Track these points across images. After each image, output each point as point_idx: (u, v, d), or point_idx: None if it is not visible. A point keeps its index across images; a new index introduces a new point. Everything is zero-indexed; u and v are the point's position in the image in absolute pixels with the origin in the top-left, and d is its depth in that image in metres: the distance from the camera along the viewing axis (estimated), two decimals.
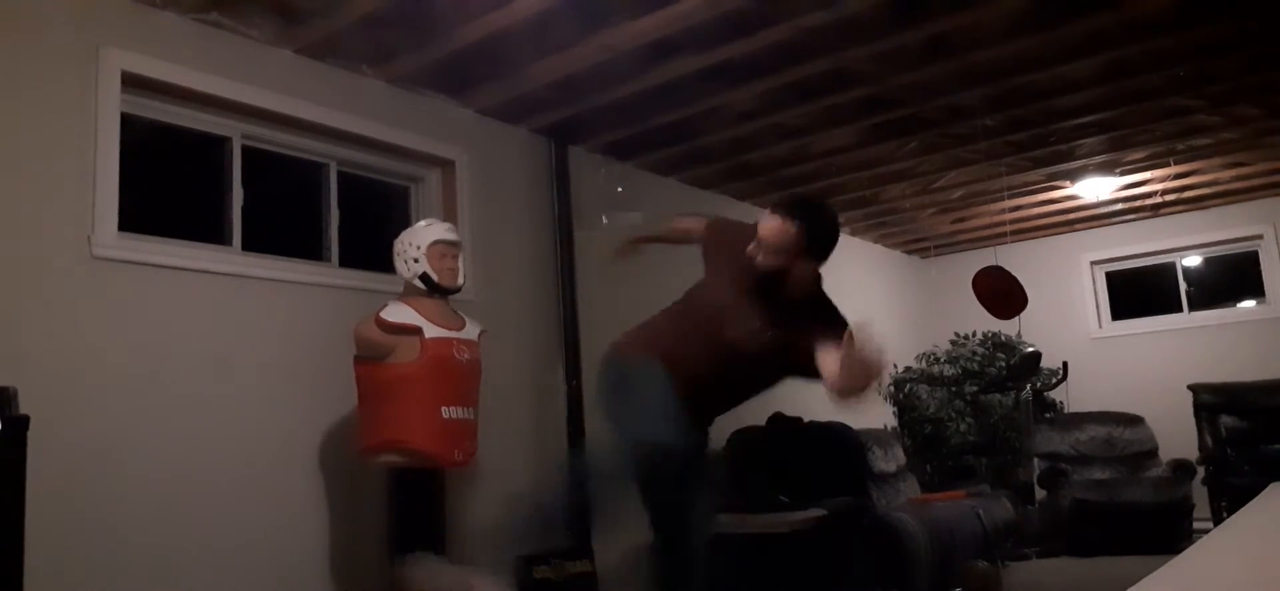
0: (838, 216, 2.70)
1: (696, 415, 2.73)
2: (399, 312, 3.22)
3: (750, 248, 2.57)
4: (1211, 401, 6.05)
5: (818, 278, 2.70)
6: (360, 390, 3.26)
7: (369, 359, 3.23)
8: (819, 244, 2.62)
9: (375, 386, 3.21)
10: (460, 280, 3.37)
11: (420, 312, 3.23)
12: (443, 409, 3.19)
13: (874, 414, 6.67)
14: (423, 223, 3.42)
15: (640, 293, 5.04)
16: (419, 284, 3.28)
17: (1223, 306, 7.12)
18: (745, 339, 2.63)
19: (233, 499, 3.18)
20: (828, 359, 2.50)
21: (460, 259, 3.38)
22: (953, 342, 7.28)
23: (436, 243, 3.30)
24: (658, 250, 5.01)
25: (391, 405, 3.16)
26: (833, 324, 2.59)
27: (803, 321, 2.61)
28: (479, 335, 3.42)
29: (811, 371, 2.60)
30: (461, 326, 3.34)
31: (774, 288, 2.62)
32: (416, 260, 3.28)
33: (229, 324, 3.28)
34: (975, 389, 6.74)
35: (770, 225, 2.55)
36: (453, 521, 3.49)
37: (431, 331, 3.21)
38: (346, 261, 3.83)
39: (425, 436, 3.17)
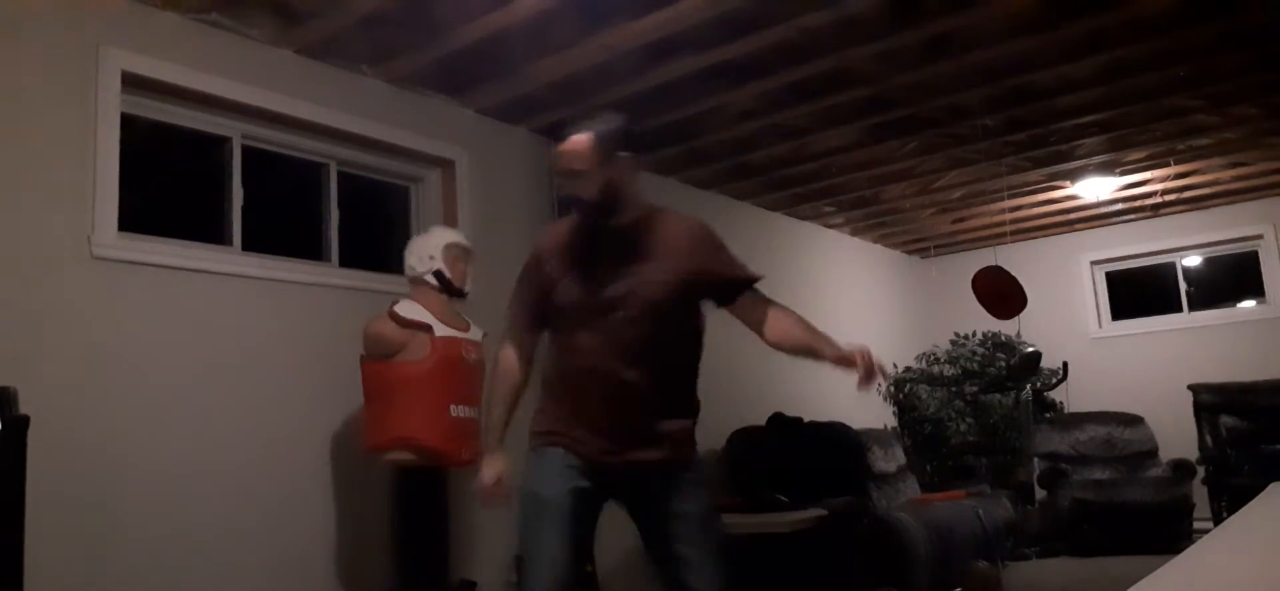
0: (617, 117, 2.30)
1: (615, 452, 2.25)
2: (412, 309, 3.25)
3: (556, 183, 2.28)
4: (1211, 401, 6.05)
5: (643, 202, 2.30)
6: (368, 388, 3.27)
7: (378, 357, 3.24)
8: (612, 138, 2.22)
9: (385, 384, 3.22)
10: (468, 287, 3.42)
11: (430, 311, 3.26)
12: (451, 407, 3.21)
13: (874, 414, 6.67)
14: (438, 228, 3.53)
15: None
16: (431, 279, 3.31)
17: (1223, 306, 7.12)
18: (601, 306, 2.20)
19: (233, 499, 3.18)
20: (768, 313, 2.27)
21: (470, 267, 3.43)
22: (953, 342, 7.28)
23: (452, 244, 3.37)
24: None
25: (401, 403, 3.17)
26: (694, 236, 2.28)
27: (662, 249, 2.24)
28: (482, 337, 3.44)
29: (712, 293, 2.30)
30: (467, 328, 3.37)
31: (602, 235, 2.24)
32: (432, 256, 3.33)
33: (229, 324, 3.28)
34: (975, 389, 6.74)
35: (556, 151, 2.24)
36: (455, 521, 3.49)
37: (441, 330, 3.24)
38: (346, 261, 3.84)
39: (434, 434, 3.18)
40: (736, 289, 2.30)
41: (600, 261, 2.25)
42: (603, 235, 2.27)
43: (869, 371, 2.11)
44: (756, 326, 2.30)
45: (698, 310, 2.33)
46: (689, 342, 2.34)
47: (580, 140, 2.23)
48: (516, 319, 2.41)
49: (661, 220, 2.32)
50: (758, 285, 2.33)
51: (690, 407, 2.34)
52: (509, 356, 2.38)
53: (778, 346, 2.29)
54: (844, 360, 2.14)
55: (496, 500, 2.40)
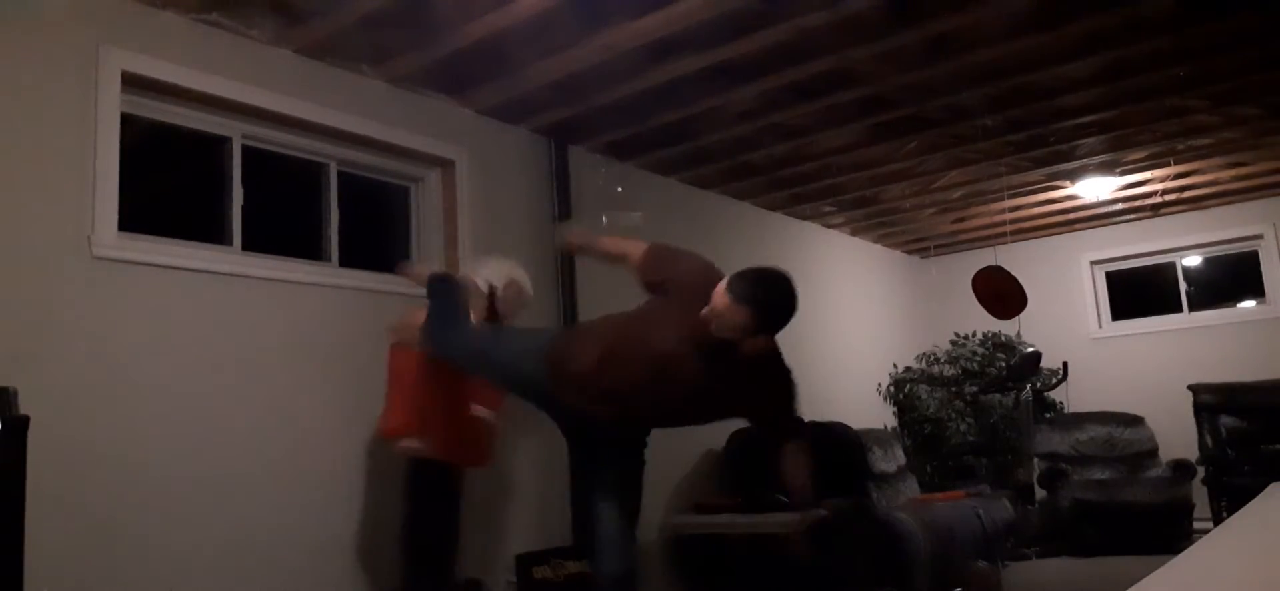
0: (793, 290, 2.58)
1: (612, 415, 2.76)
2: None
3: (703, 312, 2.53)
4: (1211, 401, 6.05)
5: (772, 344, 2.65)
6: (393, 375, 3.28)
7: (413, 345, 3.24)
8: (772, 322, 2.55)
9: (414, 374, 3.21)
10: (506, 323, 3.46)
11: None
12: (474, 405, 3.25)
13: (874, 414, 6.67)
14: (518, 265, 3.57)
15: (641, 293, 5.05)
16: (485, 288, 3.34)
17: (1223, 306, 7.12)
18: (684, 384, 2.63)
19: (233, 499, 3.18)
20: (791, 464, 2.77)
21: (517, 312, 3.48)
22: (953, 343, 7.28)
23: (520, 284, 3.45)
24: None
25: (425, 391, 3.18)
26: (778, 385, 2.71)
27: (749, 380, 2.64)
28: None
29: (754, 420, 2.84)
30: None
31: (723, 347, 2.57)
32: (501, 279, 3.38)
33: (229, 324, 3.28)
34: (975, 389, 6.75)
35: (722, 304, 2.50)
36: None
37: None
38: (346, 261, 3.83)
39: (453, 427, 3.21)
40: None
41: (700, 356, 2.67)
42: (714, 348, 2.62)
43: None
44: None
45: None
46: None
47: (740, 313, 2.51)
48: (649, 262, 2.94)
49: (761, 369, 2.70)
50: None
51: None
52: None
53: None
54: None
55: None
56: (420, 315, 3.22)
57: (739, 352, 2.54)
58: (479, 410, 3.25)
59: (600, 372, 2.67)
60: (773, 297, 2.54)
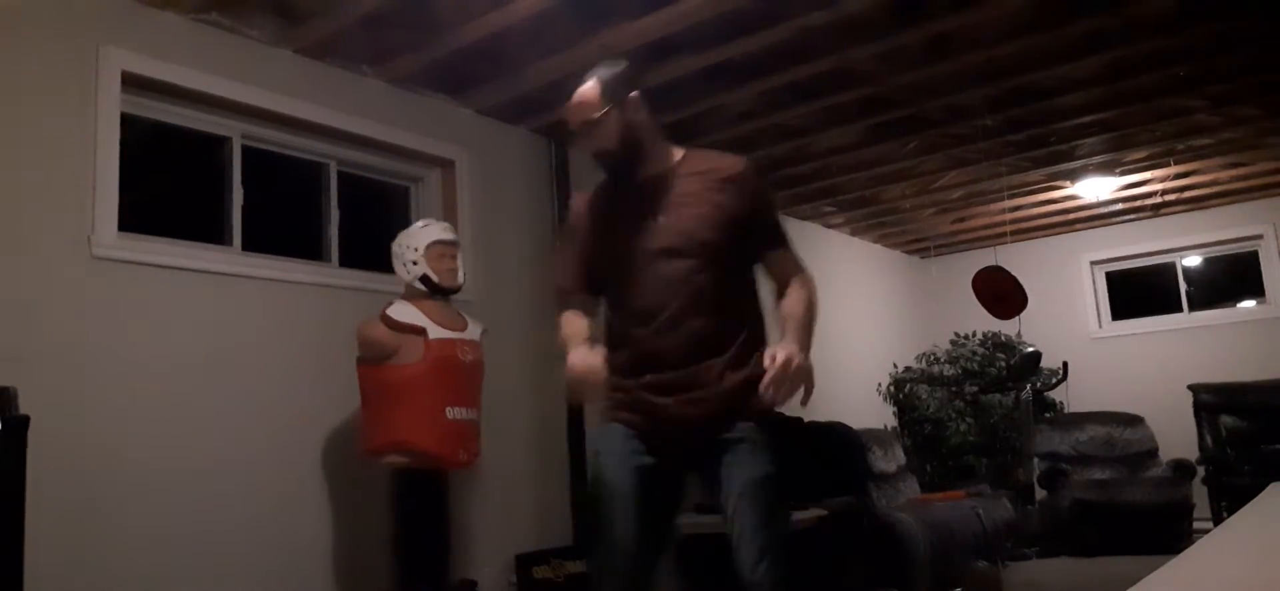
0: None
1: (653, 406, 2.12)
2: (405, 312, 3.22)
3: (574, 136, 2.21)
4: (1211, 401, 6.05)
5: (669, 142, 2.22)
6: (364, 392, 3.26)
7: (372, 360, 3.23)
8: (620, 80, 2.16)
9: (379, 388, 3.20)
10: (460, 279, 3.37)
11: (424, 313, 3.23)
12: (447, 409, 3.18)
13: (874, 414, 6.67)
14: (419, 224, 3.40)
15: None
16: (419, 285, 3.28)
17: (1223, 306, 7.12)
18: (650, 255, 2.12)
19: (233, 499, 3.18)
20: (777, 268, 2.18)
21: (459, 258, 3.38)
22: (953, 343, 7.28)
23: (434, 243, 3.29)
24: None
25: (396, 406, 3.16)
26: (717, 179, 2.15)
27: (707, 189, 2.14)
28: (481, 335, 3.42)
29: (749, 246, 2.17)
30: (464, 327, 3.34)
31: (639, 183, 2.17)
32: (415, 262, 3.27)
33: (229, 324, 3.28)
34: (975, 389, 6.74)
35: (566, 108, 2.19)
36: (455, 521, 3.49)
37: (435, 332, 3.20)
38: (346, 261, 3.84)
39: (430, 437, 3.16)
40: (777, 239, 2.20)
41: (643, 210, 2.15)
42: (640, 183, 2.18)
43: (776, 380, 1.94)
44: (778, 289, 2.18)
45: (746, 254, 2.17)
46: (744, 288, 2.18)
47: (586, 89, 2.16)
48: (565, 284, 2.26)
49: (704, 158, 2.24)
50: (793, 249, 2.23)
51: (747, 357, 2.10)
52: (570, 317, 2.21)
53: (778, 316, 2.17)
54: (769, 357, 1.98)
55: (589, 387, 2.07)
56: (376, 329, 3.20)
57: (652, 164, 2.18)
58: (456, 412, 3.22)
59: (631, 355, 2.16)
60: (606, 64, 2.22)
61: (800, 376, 1.99)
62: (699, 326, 2.07)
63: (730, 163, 2.22)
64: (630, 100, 2.17)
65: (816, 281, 2.22)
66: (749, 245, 2.17)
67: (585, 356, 2.07)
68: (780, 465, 2.09)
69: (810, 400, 2.03)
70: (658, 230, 2.12)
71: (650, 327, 2.10)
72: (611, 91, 2.15)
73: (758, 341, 2.16)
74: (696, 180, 2.17)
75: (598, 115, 2.14)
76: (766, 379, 1.94)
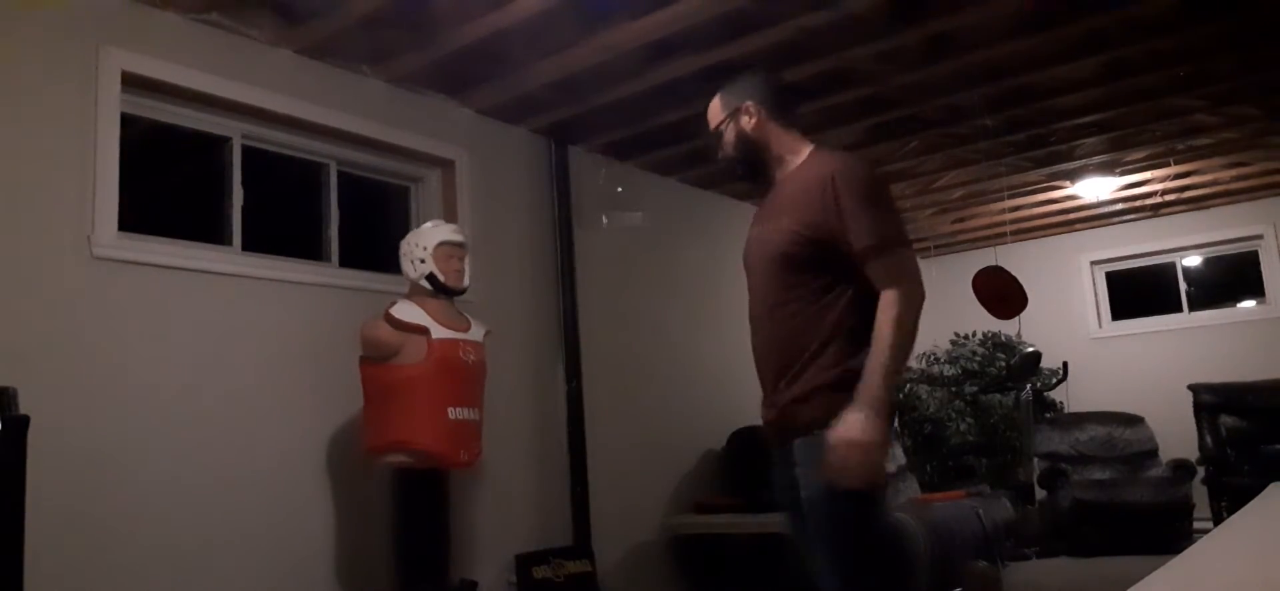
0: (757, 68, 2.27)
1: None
2: (408, 311, 3.23)
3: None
4: (1211, 401, 6.05)
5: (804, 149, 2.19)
6: (366, 391, 3.26)
7: (376, 359, 3.23)
8: (739, 90, 2.23)
9: (382, 387, 3.21)
10: (466, 281, 3.38)
11: (428, 313, 3.24)
12: (449, 409, 3.19)
13: None
14: (429, 224, 3.43)
15: (641, 292, 5.07)
16: (425, 284, 3.29)
17: (1223, 306, 7.12)
18: (748, 264, 2.22)
19: (233, 499, 3.18)
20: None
21: (466, 260, 3.39)
22: (953, 342, 7.28)
23: (443, 243, 3.31)
24: (659, 249, 5.05)
25: (398, 406, 3.16)
26: (821, 185, 2.05)
27: (791, 200, 2.12)
28: (484, 336, 3.43)
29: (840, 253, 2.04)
30: (467, 327, 3.35)
31: (774, 193, 2.20)
32: (422, 261, 3.28)
33: (229, 324, 3.28)
34: (975, 389, 6.74)
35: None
36: (455, 521, 3.49)
37: (438, 332, 3.21)
38: (346, 261, 3.84)
39: (432, 437, 3.17)
40: (860, 247, 1.99)
41: (759, 215, 2.24)
42: (770, 188, 2.24)
43: (835, 467, 1.89)
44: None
45: (830, 264, 2.04)
46: (821, 299, 2.05)
47: (713, 102, 2.27)
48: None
49: (815, 162, 2.15)
50: (886, 260, 1.99)
51: (805, 372, 2.04)
52: None
53: None
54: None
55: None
56: (379, 328, 3.21)
57: (779, 170, 2.21)
58: (458, 412, 3.22)
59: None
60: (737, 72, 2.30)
61: (853, 457, 1.86)
62: (770, 338, 2.12)
63: (827, 166, 2.09)
64: (743, 108, 2.22)
65: (918, 293, 1.99)
66: (832, 255, 2.02)
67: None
68: (830, 483, 1.94)
69: (873, 480, 1.88)
70: (756, 239, 2.20)
71: (753, 335, 2.19)
72: (728, 100, 2.26)
73: (839, 356, 2.02)
74: (797, 188, 2.13)
75: (717, 124, 2.27)
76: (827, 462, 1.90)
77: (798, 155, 2.20)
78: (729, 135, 2.25)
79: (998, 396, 6.63)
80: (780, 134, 2.22)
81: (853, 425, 1.88)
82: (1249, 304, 7.02)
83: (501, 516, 4.04)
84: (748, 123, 2.22)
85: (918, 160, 5.37)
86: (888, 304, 1.96)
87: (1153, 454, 6.30)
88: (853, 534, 1.99)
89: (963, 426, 6.70)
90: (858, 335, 2.00)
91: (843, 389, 1.96)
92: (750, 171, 2.26)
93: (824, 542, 2.01)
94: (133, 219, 3.10)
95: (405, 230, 3.49)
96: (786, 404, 2.06)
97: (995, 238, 7.08)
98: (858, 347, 2.00)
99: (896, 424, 6.78)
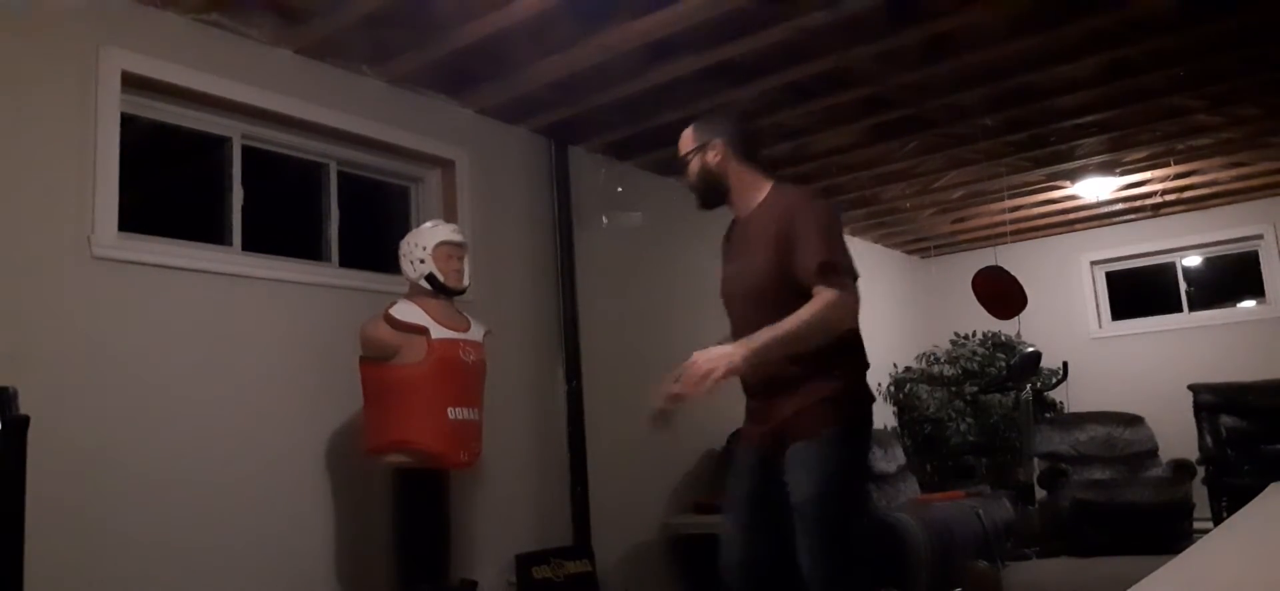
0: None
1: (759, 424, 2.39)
2: (408, 311, 3.22)
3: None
4: (1211, 401, 6.05)
5: (766, 186, 2.39)
6: (366, 391, 3.26)
7: (375, 359, 3.23)
8: (709, 126, 2.42)
9: (382, 387, 3.21)
10: (466, 282, 3.37)
11: (427, 313, 3.24)
12: (449, 410, 3.19)
13: (875, 414, 6.67)
14: (429, 223, 3.42)
15: (641, 292, 5.07)
16: (425, 285, 3.29)
17: (1223, 306, 7.12)
18: (725, 295, 2.46)
19: (233, 499, 3.18)
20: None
21: (466, 260, 3.38)
22: (953, 342, 7.29)
23: (442, 243, 3.31)
24: (659, 249, 5.04)
25: (398, 406, 3.16)
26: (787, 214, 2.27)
27: (762, 236, 2.31)
28: (484, 336, 3.43)
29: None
30: (467, 327, 3.34)
31: (735, 224, 2.44)
32: (422, 261, 3.28)
33: (229, 324, 3.28)
34: (975, 389, 6.74)
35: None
36: (455, 521, 3.49)
37: (438, 332, 3.21)
38: (346, 261, 3.83)
39: (432, 437, 3.17)
40: (811, 265, 2.19)
41: (731, 251, 2.46)
42: (735, 224, 2.46)
43: (690, 367, 2.12)
44: None
45: (809, 290, 2.21)
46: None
47: (686, 131, 2.46)
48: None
49: (778, 198, 2.37)
50: (829, 280, 2.18)
51: (802, 387, 2.24)
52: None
53: None
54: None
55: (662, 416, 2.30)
56: (379, 328, 3.21)
57: (742, 207, 2.41)
58: (458, 412, 3.22)
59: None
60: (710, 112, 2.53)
61: (705, 367, 2.11)
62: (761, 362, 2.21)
63: (788, 200, 2.34)
64: (711, 145, 2.41)
65: (845, 312, 2.18)
66: (801, 279, 2.21)
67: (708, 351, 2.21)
68: (813, 488, 2.20)
69: (694, 391, 2.12)
70: (735, 277, 2.41)
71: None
72: (699, 135, 2.44)
73: (833, 368, 2.25)
74: (766, 223, 2.32)
75: (685, 153, 2.46)
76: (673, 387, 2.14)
77: (758, 192, 2.40)
78: (694, 166, 2.44)
79: (998, 396, 6.64)
80: (742, 172, 2.42)
81: (730, 350, 2.13)
82: (1249, 304, 7.02)
83: (501, 516, 4.04)
84: (712, 158, 2.41)
85: (918, 160, 5.37)
86: (817, 300, 2.15)
87: (1153, 454, 6.30)
88: (840, 536, 2.20)
89: (963, 426, 6.70)
90: (847, 344, 2.27)
91: (840, 399, 2.24)
92: (707, 202, 2.47)
93: (812, 542, 2.19)
94: (133, 219, 3.10)
95: (405, 230, 3.48)
96: (789, 416, 2.26)
97: (995, 238, 7.08)
98: (849, 357, 2.28)
99: (897, 424, 6.79)
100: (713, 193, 2.45)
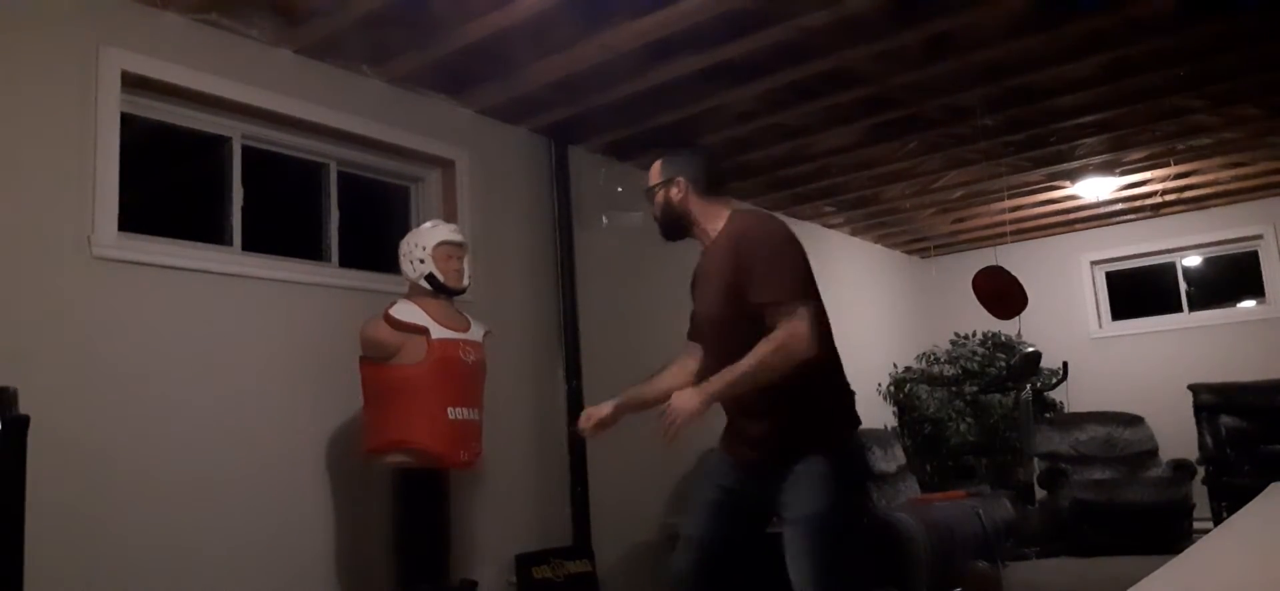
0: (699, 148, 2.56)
1: (744, 452, 2.43)
2: (408, 311, 3.22)
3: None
4: (1211, 401, 6.05)
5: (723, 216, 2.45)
6: (366, 391, 3.26)
7: (375, 359, 3.23)
8: (674, 162, 2.50)
9: (382, 387, 3.21)
10: (466, 281, 3.37)
11: (427, 313, 3.23)
12: (449, 409, 3.19)
13: (875, 414, 6.67)
14: (428, 223, 3.42)
15: (641, 293, 5.06)
16: (425, 285, 3.29)
17: (1223, 306, 7.12)
18: (695, 323, 2.54)
19: (233, 499, 3.18)
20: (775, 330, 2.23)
21: (466, 260, 3.38)
22: (953, 343, 7.28)
23: (442, 243, 3.31)
24: (659, 249, 5.00)
25: (398, 406, 3.16)
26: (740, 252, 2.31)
27: (718, 266, 2.38)
28: (484, 336, 3.43)
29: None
30: (467, 327, 3.34)
31: (704, 260, 2.48)
32: (422, 261, 3.28)
33: (229, 324, 3.28)
34: (975, 389, 6.74)
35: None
36: (455, 521, 3.49)
37: (438, 332, 3.21)
38: (346, 261, 3.83)
39: (432, 437, 3.17)
40: (763, 298, 2.23)
41: (696, 284, 2.53)
42: (702, 255, 2.52)
43: (669, 414, 2.20)
44: None
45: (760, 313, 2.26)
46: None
47: (653, 165, 2.55)
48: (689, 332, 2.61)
49: (730, 226, 2.43)
50: (779, 313, 2.21)
51: (792, 408, 2.28)
52: (681, 360, 2.57)
53: None
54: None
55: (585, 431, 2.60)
56: (379, 328, 3.21)
57: (707, 238, 2.47)
58: (458, 412, 3.22)
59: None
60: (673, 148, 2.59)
61: (680, 417, 2.18)
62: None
63: (737, 227, 2.40)
64: (675, 181, 2.49)
65: (799, 347, 2.19)
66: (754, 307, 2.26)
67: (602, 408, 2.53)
68: (801, 509, 2.29)
69: (671, 438, 2.19)
70: (702, 314, 2.49)
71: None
72: (664, 171, 2.53)
73: (819, 386, 2.31)
74: (720, 257, 2.39)
75: (652, 185, 2.55)
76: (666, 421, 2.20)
77: (719, 220, 2.46)
78: (659, 199, 2.53)
79: (998, 396, 6.64)
80: (703, 206, 2.48)
81: (691, 397, 2.20)
82: (1249, 304, 7.02)
83: (501, 516, 4.04)
84: (675, 194, 2.49)
85: (918, 160, 5.37)
86: (770, 340, 2.18)
87: (1153, 454, 6.30)
88: (836, 546, 2.29)
89: (963, 426, 6.70)
90: (824, 362, 2.30)
91: (831, 415, 2.36)
92: (669, 234, 2.56)
93: (809, 551, 2.28)
94: (133, 219, 3.10)
95: (405, 230, 3.48)
96: (785, 433, 2.31)
97: (995, 238, 7.08)
98: (830, 374, 2.36)
99: (897, 424, 6.79)
100: (674, 227, 2.52)
